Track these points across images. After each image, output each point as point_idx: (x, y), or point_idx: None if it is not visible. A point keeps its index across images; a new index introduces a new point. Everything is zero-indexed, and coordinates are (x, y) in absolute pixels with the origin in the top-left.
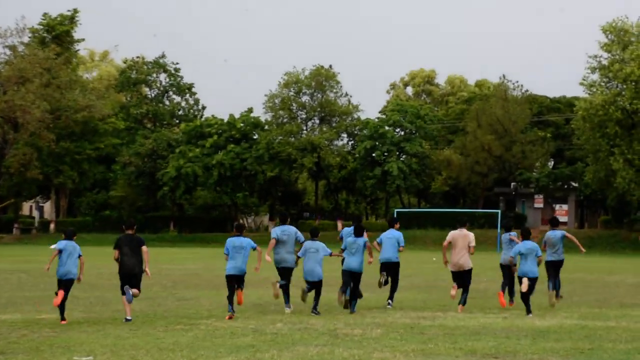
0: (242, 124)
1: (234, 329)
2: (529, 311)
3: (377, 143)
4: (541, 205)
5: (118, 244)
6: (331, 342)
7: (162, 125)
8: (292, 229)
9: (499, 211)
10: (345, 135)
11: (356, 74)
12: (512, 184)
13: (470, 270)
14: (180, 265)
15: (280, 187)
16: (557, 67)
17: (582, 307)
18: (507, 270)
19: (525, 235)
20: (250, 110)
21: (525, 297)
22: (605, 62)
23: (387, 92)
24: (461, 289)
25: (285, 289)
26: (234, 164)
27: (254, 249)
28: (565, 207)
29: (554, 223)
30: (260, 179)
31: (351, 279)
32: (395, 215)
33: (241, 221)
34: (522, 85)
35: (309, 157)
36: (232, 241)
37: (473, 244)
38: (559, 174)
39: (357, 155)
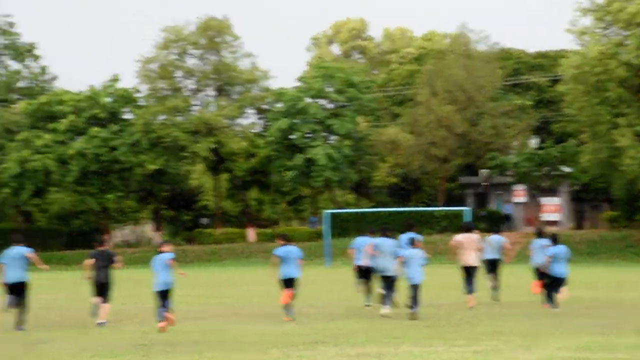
0: (107, 99)
1: None
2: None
3: (296, 121)
4: (523, 199)
5: (93, 256)
6: None
7: None
8: (390, 241)
9: (467, 209)
10: (252, 111)
11: (262, 28)
12: (483, 171)
13: (477, 267)
14: (30, 296)
15: (167, 185)
16: (537, 10)
17: (582, 335)
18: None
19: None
20: (115, 79)
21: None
22: (600, 0)
23: (308, 49)
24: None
25: (387, 293)
26: (100, 154)
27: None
28: (556, 200)
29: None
30: (138, 174)
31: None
32: (326, 218)
33: (106, 235)
34: (488, 37)
35: (203, 143)
36: (284, 250)
37: (480, 243)
38: (545, 156)
39: (270, 138)
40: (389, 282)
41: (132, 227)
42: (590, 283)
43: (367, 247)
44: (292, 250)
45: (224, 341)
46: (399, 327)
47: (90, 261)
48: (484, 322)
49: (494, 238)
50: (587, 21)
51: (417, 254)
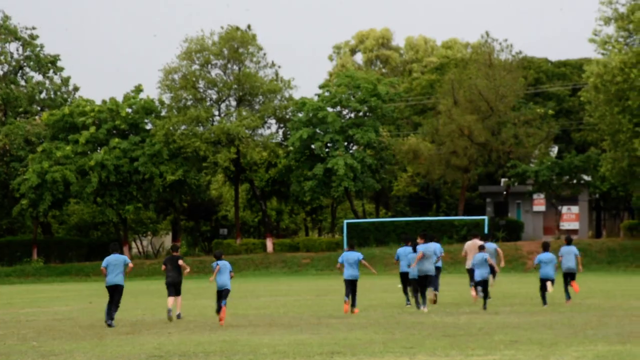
0: (129, 110)
1: None
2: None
3: (317, 131)
4: (542, 208)
5: (165, 262)
6: None
7: (16, 114)
8: (433, 245)
9: (486, 218)
10: (273, 121)
11: (285, 37)
12: (503, 180)
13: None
14: (46, 308)
15: (186, 196)
16: (559, 19)
17: (600, 344)
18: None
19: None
20: (138, 89)
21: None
22: (623, 10)
23: (330, 58)
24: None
25: (421, 293)
26: (120, 166)
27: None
28: (575, 209)
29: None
30: (158, 184)
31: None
32: (345, 227)
33: (132, 243)
34: (511, 45)
35: (224, 153)
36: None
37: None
38: (565, 165)
39: (290, 148)
40: (428, 281)
41: (150, 237)
42: (608, 291)
43: (419, 255)
44: (351, 255)
45: (238, 352)
46: (417, 336)
47: (165, 265)
48: (502, 331)
49: (489, 245)
50: (610, 29)
51: (483, 257)
